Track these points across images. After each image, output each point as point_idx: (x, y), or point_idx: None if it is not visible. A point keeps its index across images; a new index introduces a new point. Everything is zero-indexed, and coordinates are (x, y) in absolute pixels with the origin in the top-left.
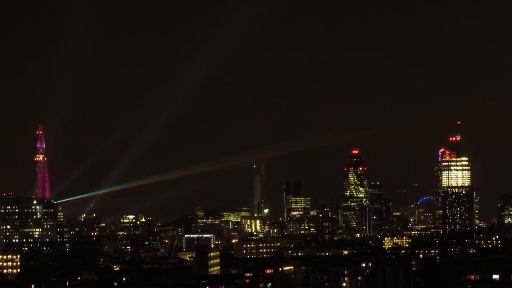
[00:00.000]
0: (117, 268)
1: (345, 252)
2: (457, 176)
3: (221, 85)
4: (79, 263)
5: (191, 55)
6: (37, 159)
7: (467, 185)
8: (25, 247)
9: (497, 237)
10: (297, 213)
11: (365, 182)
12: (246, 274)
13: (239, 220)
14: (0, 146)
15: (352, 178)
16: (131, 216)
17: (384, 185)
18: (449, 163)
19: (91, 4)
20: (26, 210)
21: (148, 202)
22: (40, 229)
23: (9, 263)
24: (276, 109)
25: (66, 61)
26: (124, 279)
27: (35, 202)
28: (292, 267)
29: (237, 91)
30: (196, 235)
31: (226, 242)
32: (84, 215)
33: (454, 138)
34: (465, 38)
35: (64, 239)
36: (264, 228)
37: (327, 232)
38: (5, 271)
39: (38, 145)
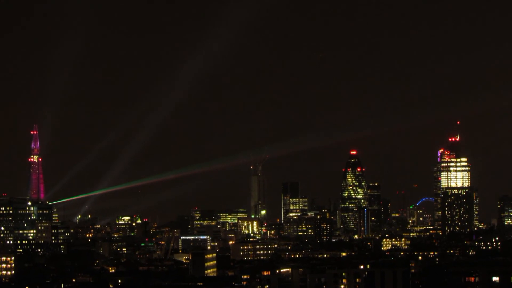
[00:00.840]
0: (113, 270)
1: (343, 254)
2: (456, 177)
3: (217, 85)
4: (74, 265)
5: (188, 55)
6: (32, 159)
7: (466, 186)
8: (19, 248)
9: (497, 238)
10: (294, 214)
11: (363, 183)
12: (243, 276)
13: (236, 221)
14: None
15: (350, 179)
16: (126, 218)
17: (383, 186)
18: (449, 164)
19: (85, 5)
20: (20, 212)
21: (144, 203)
22: (35, 231)
23: (3, 265)
24: (274, 110)
25: (61, 61)
26: (119, 281)
27: (29, 203)
28: (289, 269)
29: (234, 91)
30: (192, 237)
31: (222, 244)
32: (79, 216)
33: (453, 139)
34: (465, 38)
35: (59, 241)
36: (261, 229)
37: (325, 233)
38: None
39: (32, 145)
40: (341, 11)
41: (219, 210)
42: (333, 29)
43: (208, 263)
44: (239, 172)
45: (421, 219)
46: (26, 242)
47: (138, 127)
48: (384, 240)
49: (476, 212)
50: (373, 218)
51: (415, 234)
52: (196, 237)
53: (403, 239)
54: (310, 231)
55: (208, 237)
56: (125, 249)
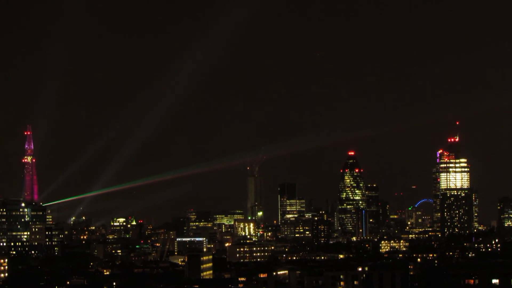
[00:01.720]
0: (107, 273)
1: (341, 256)
2: (455, 178)
3: (214, 85)
4: (68, 267)
5: (184, 55)
6: (25, 160)
7: (466, 187)
8: (13, 251)
9: (496, 240)
10: (291, 216)
11: (361, 184)
12: (239, 279)
13: (232, 223)
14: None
15: (348, 180)
16: (121, 219)
17: (381, 187)
18: (448, 165)
19: (81, 3)
20: (14, 213)
21: (139, 205)
22: (29, 233)
23: None
24: (271, 110)
25: (56, 61)
26: (114, 283)
27: (23, 204)
28: (286, 272)
29: (231, 91)
30: (188, 239)
31: (219, 246)
32: (74, 218)
33: (452, 139)
34: (464, 37)
35: (53, 243)
36: (258, 231)
37: (322, 235)
38: None
39: (26, 146)
40: (340, 11)
41: (215, 211)
42: (333, 29)
43: (204, 265)
44: (236, 173)
45: (420, 220)
46: (19, 244)
47: (134, 128)
48: (383, 242)
49: (476, 214)
50: (371, 220)
51: (413, 236)
52: (192, 239)
53: (401, 241)
54: (307, 233)
55: (204, 239)
56: (120, 251)
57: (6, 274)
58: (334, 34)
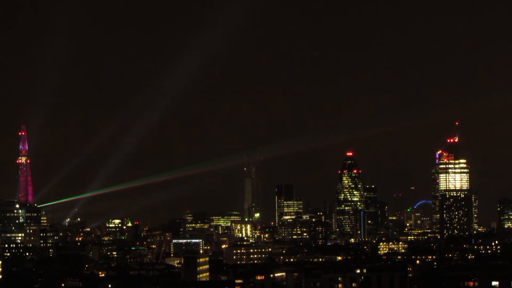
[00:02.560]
0: (103, 275)
1: (339, 258)
2: (455, 179)
3: (211, 85)
4: (63, 269)
5: (181, 55)
6: (20, 161)
7: (465, 188)
8: (7, 252)
9: (496, 242)
10: (289, 217)
11: (359, 185)
12: (236, 281)
13: (229, 224)
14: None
15: (346, 181)
16: (117, 221)
17: (380, 188)
18: (447, 166)
19: (76, 2)
20: (8, 214)
21: (135, 206)
22: (23, 234)
23: None
24: (268, 110)
25: (50, 60)
26: (109, 285)
27: (17, 206)
28: (284, 274)
29: (227, 91)
30: (184, 240)
31: (215, 248)
32: (68, 219)
33: (452, 140)
34: (463, 37)
35: (48, 244)
36: (255, 233)
37: (320, 237)
38: None
39: (20, 147)
40: (338, 11)
41: (212, 213)
42: (331, 29)
43: (201, 267)
44: (233, 174)
45: (418, 222)
46: (14, 245)
47: (129, 129)
48: (381, 243)
49: (475, 215)
50: (369, 221)
51: (412, 237)
52: (188, 240)
53: (400, 243)
54: (305, 234)
55: (201, 240)
56: (115, 252)
57: (0, 276)
58: (332, 34)
